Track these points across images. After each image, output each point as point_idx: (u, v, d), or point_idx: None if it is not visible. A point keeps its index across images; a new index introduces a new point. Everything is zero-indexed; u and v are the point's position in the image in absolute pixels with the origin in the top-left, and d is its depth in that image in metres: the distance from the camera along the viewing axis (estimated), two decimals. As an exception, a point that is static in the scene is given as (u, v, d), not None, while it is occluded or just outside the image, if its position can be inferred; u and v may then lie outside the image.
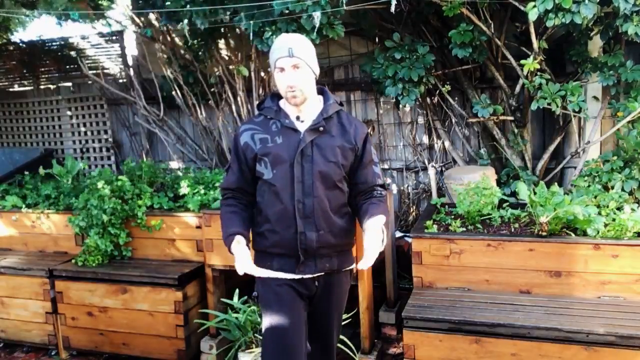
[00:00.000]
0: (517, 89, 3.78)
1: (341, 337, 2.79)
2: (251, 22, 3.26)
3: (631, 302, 2.50)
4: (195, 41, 4.38)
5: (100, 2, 4.86)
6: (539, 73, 3.32)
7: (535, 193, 2.80)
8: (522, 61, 3.25)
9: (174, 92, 4.58)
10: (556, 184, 2.98)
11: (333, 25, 3.25)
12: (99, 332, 3.41)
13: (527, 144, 3.88)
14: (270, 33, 3.25)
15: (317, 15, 3.04)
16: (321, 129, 1.94)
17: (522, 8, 3.05)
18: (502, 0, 3.28)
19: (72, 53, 5.52)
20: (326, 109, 1.99)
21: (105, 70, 5.44)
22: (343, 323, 2.42)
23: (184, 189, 3.48)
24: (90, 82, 5.18)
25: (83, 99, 5.47)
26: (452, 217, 3.10)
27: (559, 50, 3.78)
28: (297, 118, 1.97)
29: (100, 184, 3.43)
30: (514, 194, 3.54)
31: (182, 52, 4.63)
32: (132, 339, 3.35)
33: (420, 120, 4.49)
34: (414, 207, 4.58)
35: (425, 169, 4.52)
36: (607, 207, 2.79)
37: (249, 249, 1.94)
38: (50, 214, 3.76)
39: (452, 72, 4.11)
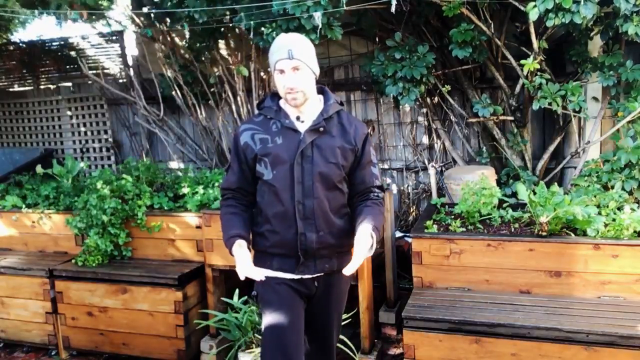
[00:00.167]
0: (517, 89, 3.78)
1: (341, 337, 2.79)
2: (251, 21, 3.26)
3: (631, 302, 2.50)
4: (197, 43, 4.38)
5: (100, 2, 4.86)
6: (539, 73, 3.32)
7: (535, 193, 2.80)
8: (522, 61, 3.25)
9: (174, 92, 4.58)
10: (556, 184, 2.98)
11: (332, 26, 3.25)
12: (99, 332, 3.41)
13: (527, 144, 3.88)
14: (270, 29, 3.24)
15: (317, 16, 3.04)
16: (321, 129, 1.93)
17: (522, 8, 3.05)
18: (502, 0, 3.28)
19: (72, 53, 5.53)
20: (326, 109, 1.97)
21: (105, 70, 5.45)
22: (343, 323, 2.42)
23: (184, 189, 3.48)
24: (90, 82, 5.18)
25: (83, 99, 5.48)
26: (452, 217, 3.10)
27: (559, 50, 3.78)
28: (297, 118, 1.96)
29: (99, 184, 3.43)
30: (514, 194, 3.54)
31: (182, 52, 4.63)
32: (132, 339, 3.35)
33: (420, 120, 4.50)
34: (414, 207, 4.58)
35: (425, 169, 4.52)
36: (607, 207, 2.79)
37: (250, 250, 1.94)
38: (50, 214, 3.76)
39: (452, 72, 4.11)
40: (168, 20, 4.25)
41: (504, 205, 3.10)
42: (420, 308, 2.60)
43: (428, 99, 4.35)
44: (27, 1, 4.01)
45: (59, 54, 5.63)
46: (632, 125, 3.25)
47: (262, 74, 4.40)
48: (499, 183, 3.80)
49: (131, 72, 4.99)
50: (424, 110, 4.43)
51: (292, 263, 1.97)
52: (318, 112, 1.97)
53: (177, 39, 4.68)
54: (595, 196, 2.92)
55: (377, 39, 4.28)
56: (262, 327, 2.03)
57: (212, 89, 4.54)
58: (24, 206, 3.88)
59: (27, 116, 5.73)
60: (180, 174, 4.19)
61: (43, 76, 5.76)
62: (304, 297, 2.03)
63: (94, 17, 4.58)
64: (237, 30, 4.11)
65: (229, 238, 1.94)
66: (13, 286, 3.59)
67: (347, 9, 3.20)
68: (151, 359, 3.32)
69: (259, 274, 1.87)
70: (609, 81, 3.38)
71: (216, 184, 3.56)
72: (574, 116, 3.53)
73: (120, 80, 5.32)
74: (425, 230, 2.87)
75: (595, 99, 3.84)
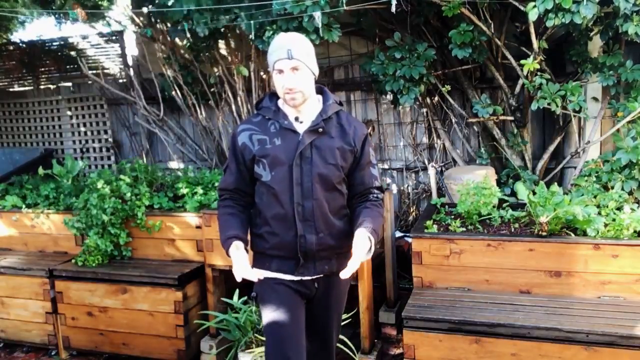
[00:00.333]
0: (517, 89, 3.78)
1: (341, 337, 2.79)
2: (251, 21, 3.26)
3: (631, 302, 2.50)
4: (197, 43, 4.38)
5: (100, 2, 4.87)
6: (539, 73, 3.32)
7: (534, 193, 2.80)
8: (522, 61, 3.25)
9: (173, 92, 4.58)
10: (556, 184, 2.98)
11: (330, 27, 3.24)
12: (99, 332, 3.41)
13: (527, 144, 3.88)
14: (271, 32, 3.24)
15: (317, 16, 3.04)
16: (320, 130, 1.91)
17: (522, 8, 3.05)
18: (502, 0, 3.28)
19: (72, 53, 5.53)
20: (325, 110, 1.95)
21: (105, 70, 5.45)
22: (343, 323, 2.42)
23: (183, 189, 3.48)
24: (90, 82, 5.18)
25: (83, 99, 5.47)
26: (452, 217, 3.10)
27: (559, 50, 3.78)
28: (296, 119, 1.94)
29: (99, 184, 3.43)
30: (514, 194, 3.54)
31: (182, 52, 4.63)
32: (132, 339, 3.35)
33: (420, 120, 4.49)
34: (414, 207, 4.58)
35: (425, 169, 4.52)
36: (607, 207, 2.79)
37: (247, 251, 1.93)
38: (50, 214, 3.76)
39: (452, 72, 4.11)
40: (168, 24, 4.25)
41: (504, 205, 3.10)
42: (420, 308, 2.60)
43: (428, 99, 4.35)
44: (28, 1, 4.01)
45: (59, 54, 5.64)
46: (632, 125, 3.25)
47: (262, 74, 4.40)
48: (499, 183, 3.80)
49: (131, 72, 4.99)
50: (424, 110, 4.43)
51: (291, 265, 1.95)
52: (317, 113, 1.95)
53: (177, 39, 4.68)
54: (595, 196, 2.92)
55: (377, 39, 4.28)
56: (263, 327, 2.03)
57: (212, 89, 4.54)
58: (24, 206, 3.88)
59: (27, 116, 5.73)
60: (180, 174, 4.19)
61: (43, 76, 5.76)
62: (303, 297, 2.03)
63: (94, 17, 4.58)
64: (237, 30, 4.11)
65: (226, 239, 1.92)
66: (13, 286, 3.59)
67: (347, 9, 3.20)
68: (151, 359, 3.32)
69: (256, 274, 1.86)
70: (609, 81, 3.38)
71: (216, 184, 3.56)
72: (574, 116, 3.53)
73: (120, 80, 5.32)
74: (425, 230, 2.87)
75: (595, 99, 3.84)
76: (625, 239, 2.53)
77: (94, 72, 5.15)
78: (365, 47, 4.52)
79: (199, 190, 3.44)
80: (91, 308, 3.40)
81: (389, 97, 4.35)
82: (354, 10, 3.60)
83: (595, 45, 3.64)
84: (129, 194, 3.46)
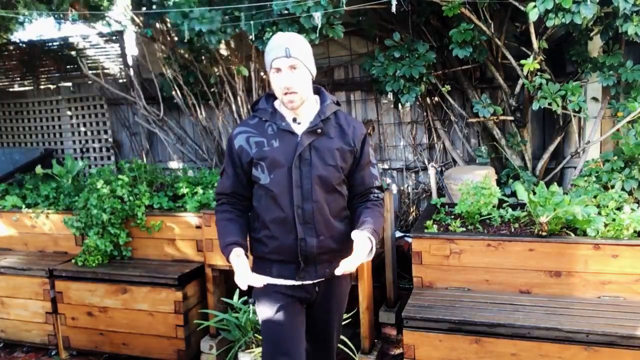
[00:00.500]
0: (517, 89, 3.78)
1: (341, 337, 2.78)
2: (251, 22, 3.26)
3: (631, 302, 2.50)
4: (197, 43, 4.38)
5: (99, 2, 4.87)
6: (539, 73, 3.32)
7: (534, 193, 2.80)
8: (522, 61, 3.25)
9: (173, 92, 4.58)
10: (556, 184, 2.98)
11: (333, 25, 3.24)
12: (99, 332, 3.41)
13: (527, 144, 3.88)
14: (271, 34, 3.24)
15: (317, 16, 3.04)
16: (319, 131, 1.88)
17: (522, 8, 3.05)
18: (502, 0, 3.28)
19: (72, 53, 5.53)
20: (323, 110, 1.92)
21: (105, 70, 5.44)
22: (343, 323, 2.42)
23: (183, 189, 3.48)
24: (90, 82, 5.18)
25: (83, 99, 5.47)
26: (452, 217, 3.10)
27: (559, 50, 3.79)
28: (294, 120, 1.91)
29: (100, 184, 3.43)
30: (514, 194, 3.54)
31: (182, 52, 4.63)
32: (132, 339, 3.35)
33: (420, 120, 4.50)
34: (414, 207, 4.58)
35: (425, 169, 4.52)
36: (607, 207, 2.79)
37: (247, 257, 1.90)
38: (50, 214, 3.76)
39: (452, 72, 4.11)
40: (169, 24, 4.25)
41: (504, 205, 3.10)
42: (420, 308, 2.60)
43: (428, 99, 4.35)
44: (27, 1, 4.02)
45: (59, 54, 5.64)
46: (632, 125, 3.25)
47: (262, 74, 4.39)
48: (499, 183, 3.80)
49: (131, 72, 4.99)
50: (424, 110, 4.43)
51: (292, 269, 1.92)
52: (314, 113, 1.92)
53: (177, 39, 4.68)
54: (595, 196, 2.92)
55: (377, 39, 4.28)
56: (262, 338, 2.00)
57: (212, 89, 4.54)
58: (24, 206, 3.88)
59: (27, 116, 5.73)
60: (180, 174, 4.19)
61: (43, 76, 5.76)
62: (304, 303, 1.99)
63: (94, 17, 4.59)
64: (237, 30, 4.11)
65: (225, 246, 1.89)
66: (13, 286, 3.59)
67: (347, 9, 3.20)
68: (151, 359, 3.32)
69: (259, 280, 1.83)
70: (609, 81, 3.38)
71: (215, 184, 3.56)
72: (574, 116, 3.53)
73: (120, 80, 5.32)
74: (425, 230, 2.87)
75: (595, 99, 3.84)
76: (625, 239, 2.53)
77: (94, 72, 5.15)
78: (365, 47, 4.52)
79: (199, 190, 3.44)
80: (91, 308, 3.40)
81: (390, 97, 4.35)
82: (354, 10, 3.60)
83: (595, 45, 3.64)
84: (126, 194, 3.44)
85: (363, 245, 1.80)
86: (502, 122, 4.05)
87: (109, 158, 5.47)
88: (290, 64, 1.82)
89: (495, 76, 3.84)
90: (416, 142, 4.55)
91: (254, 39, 3.31)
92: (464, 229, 2.88)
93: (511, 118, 3.85)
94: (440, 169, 4.39)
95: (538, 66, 3.25)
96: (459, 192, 3.14)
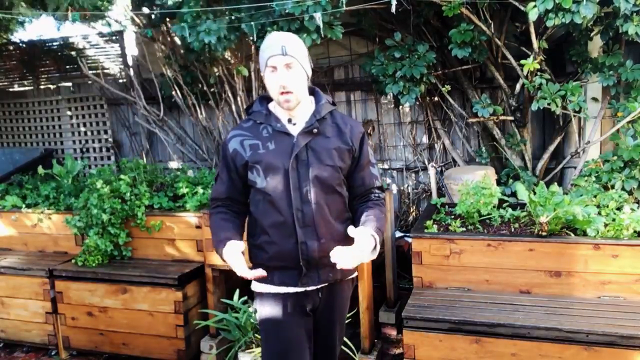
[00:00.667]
0: (517, 89, 3.78)
1: (341, 337, 2.78)
2: (252, 22, 3.26)
3: (631, 302, 2.50)
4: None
5: (100, 2, 4.87)
6: (539, 73, 3.32)
7: (534, 193, 2.80)
8: (522, 61, 3.25)
9: (173, 92, 4.58)
10: (556, 184, 2.98)
11: (332, 25, 3.24)
12: (99, 332, 3.41)
13: (527, 144, 3.88)
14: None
15: (318, 16, 3.04)
16: (315, 131, 1.83)
17: (522, 8, 3.05)
18: (502, 0, 3.28)
19: (72, 53, 5.53)
20: (318, 110, 1.88)
21: (105, 70, 5.44)
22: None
23: (183, 189, 3.48)
24: (90, 82, 5.18)
25: (83, 99, 5.48)
26: (452, 217, 3.10)
27: (559, 50, 3.79)
28: (289, 121, 1.87)
29: (99, 184, 3.43)
30: (514, 194, 3.54)
31: (182, 52, 4.64)
32: (132, 339, 3.35)
33: (420, 120, 4.50)
34: (414, 207, 4.58)
35: (425, 169, 4.52)
36: (607, 207, 2.79)
37: (243, 254, 1.84)
38: (50, 214, 3.76)
39: (452, 72, 4.11)
40: (169, 24, 4.25)
41: (504, 205, 3.10)
42: (420, 308, 2.60)
43: (428, 99, 4.35)
44: (28, 1, 4.01)
45: (59, 54, 5.63)
46: (632, 125, 3.25)
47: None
48: (499, 183, 3.80)
49: (131, 72, 4.99)
50: (424, 110, 4.43)
51: (294, 275, 1.86)
52: (310, 114, 1.88)
53: (177, 39, 4.68)
54: (595, 196, 2.92)
55: (377, 39, 4.29)
56: (262, 353, 1.95)
57: (212, 89, 4.54)
58: (24, 206, 3.88)
59: (27, 116, 5.73)
60: (179, 174, 4.19)
61: (43, 76, 5.76)
62: (308, 313, 1.94)
63: (94, 17, 4.58)
64: (237, 33, 4.11)
65: (218, 242, 1.83)
66: (13, 286, 3.59)
67: (347, 9, 3.20)
68: (151, 359, 3.33)
69: (256, 273, 1.77)
70: (609, 81, 3.38)
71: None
72: (574, 116, 3.53)
73: (120, 80, 5.32)
74: (425, 230, 2.87)
75: (595, 99, 3.84)
76: (625, 239, 2.53)
77: (94, 72, 5.15)
78: (365, 47, 4.52)
79: (199, 190, 3.45)
80: (91, 308, 3.40)
81: (390, 97, 4.35)
82: (354, 10, 3.60)
83: (595, 45, 3.64)
84: (127, 194, 3.45)
85: (365, 241, 1.74)
86: (502, 122, 4.05)
87: (109, 158, 5.47)
88: (286, 62, 1.79)
89: (495, 76, 3.84)
90: (416, 142, 4.55)
91: (255, 38, 3.31)
92: (464, 229, 2.88)
93: (511, 118, 3.85)
94: (440, 169, 4.40)
95: (538, 66, 3.25)
96: (459, 192, 3.14)
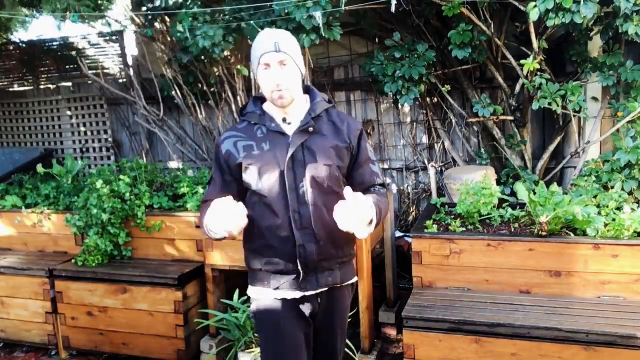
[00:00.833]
0: (517, 89, 3.78)
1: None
2: (252, 22, 3.26)
3: (631, 302, 2.50)
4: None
5: (99, 2, 4.87)
6: (539, 73, 3.32)
7: (534, 193, 2.80)
8: (522, 61, 3.25)
9: (173, 92, 4.58)
10: (556, 184, 2.98)
11: (331, 26, 3.24)
12: (99, 332, 3.41)
13: (527, 144, 3.88)
14: None
15: (318, 16, 3.04)
16: (311, 129, 1.77)
17: (522, 8, 3.05)
18: (502, 0, 3.28)
19: (72, 53, 5.53)
20: (314, 108, 1.83)
21: (105, 70, 5.45)
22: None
23: (184, 188, 3.48)
24: (90, 82, 5.18)
25: (83, 99, 5.48)
26: (452, 217, 3.10)
27: (559, 50, 3.79)
28: (284, 120, 1.81)
29: (99, 184, 3.43)
30: (514, 194, 3.54)
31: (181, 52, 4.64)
32: (132, 339, 3.35)
33: (420, 120, 4.50)
34: (414, 207, 4.58)
35: (425, 169, 4.53)
36: (607, 207, 2.79)
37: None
38: (50, 214, 3.76)
39: (452, 72, 4.11)
40: (169, 24, 4.25)
41: (504, 205, 3.10)
42: (420, 308, 2.60)
43: (428, 99, 4.35)
44: (27, 1, 4.02)
45: (59, 54, 5.64)
46: (632, 125, 3.25)
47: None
48: (499, 183, 3.80)
49: (131, 72, 4.99)
50: (424, 110, 4.43)
51: (292, 280, 1.81)
52: (305, 112, 1.83)
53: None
54: (595, 196, 2.92)
55: (377, 39, 4.29)
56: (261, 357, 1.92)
57: (212, 89, 4.54)
58: (24, 206, 3.88)
59: (27, 116, 5.73)
60: (180, 174, 4.19)
61: (43, 76, 5.76)
62: (307, 321, 1.89)
63: (93, 18, 4.58)
64: (234, 35, 4.11)
65: (204, 218, 1.69)
66: (13, 286, 3.59)
67: (347, 9, 3.20)
68: (151, 359, 3.32)
69: (242, 216, 1.58)
70: (609, 81, 3.38)
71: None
72: (574, 116, 3.53)
73: (120, 80, 5.32)
74: (425, 230, 2.87)
75: (595, 99, 3.84)
76: (625, 239, 2.54)
77: (94, 72, 5.16)
78: (365, 47, 4.52)
79: (199, 190, 3.45)
80: (91, 308, 3.40)
81: (390, 96, 4.35)
82: (354, 10, 3.60)
83: (595, 45, 3.64)
84: (127, 193, 3.45)
85: (363, 204, 1.56)
86: (502, 122, 4.05)
87: (109, 158, 5.47)
88: (280, 59, 1.73)
89: (495, 76, 3.84)
90: (416, 142, 4.55)
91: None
92: (464, 229, 2.88)
93: (511, 118, 3.86)
94: (440, 169, 4.40)
95: (538, 66, 3.25)
96: (459, 192, 3.14)
